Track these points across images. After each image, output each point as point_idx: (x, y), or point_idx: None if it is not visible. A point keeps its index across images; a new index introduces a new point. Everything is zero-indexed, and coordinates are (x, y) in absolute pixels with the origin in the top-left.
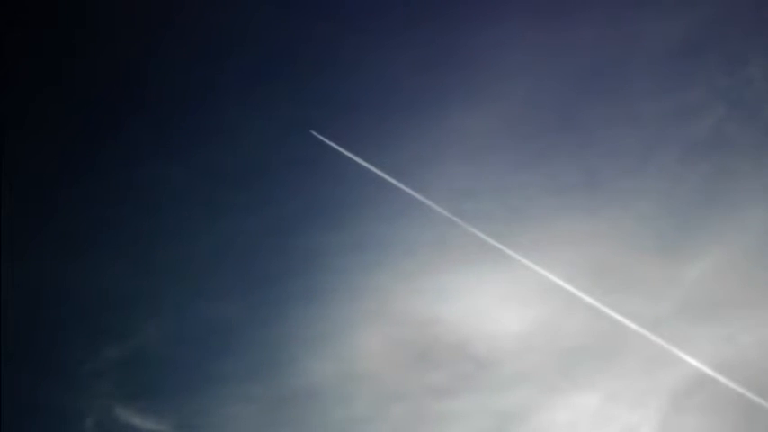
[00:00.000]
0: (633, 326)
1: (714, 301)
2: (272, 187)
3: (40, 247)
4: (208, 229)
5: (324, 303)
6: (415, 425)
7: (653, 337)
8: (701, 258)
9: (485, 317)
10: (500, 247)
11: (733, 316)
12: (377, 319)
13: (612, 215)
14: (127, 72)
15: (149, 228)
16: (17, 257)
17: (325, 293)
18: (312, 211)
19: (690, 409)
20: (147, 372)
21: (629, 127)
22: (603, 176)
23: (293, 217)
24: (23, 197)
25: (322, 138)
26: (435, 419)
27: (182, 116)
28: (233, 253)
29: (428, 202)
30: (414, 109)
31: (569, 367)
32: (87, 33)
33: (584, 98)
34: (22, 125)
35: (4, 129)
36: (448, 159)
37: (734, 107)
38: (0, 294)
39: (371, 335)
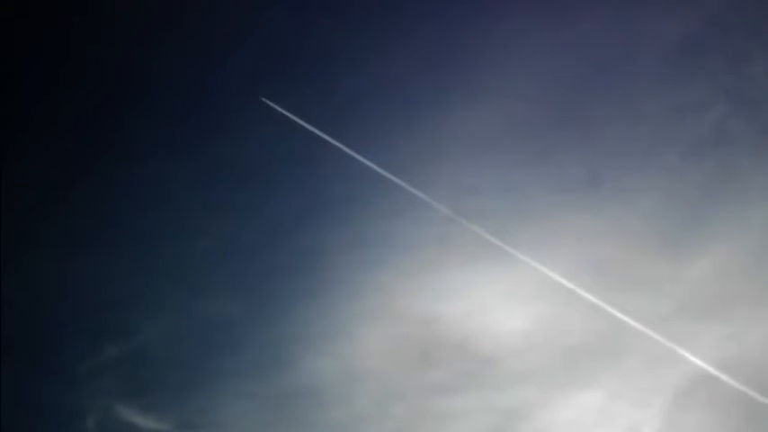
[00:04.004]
0: (636, 324)
1: (717, 299)
2: (273, 185)
3: (41, 246)
4: (209, 228)
5: (325, 301)
6: (417, 423)
7: (656, 335)
8: (705, 256)
9: (487, 315)
10: (502, 244)
11: (736, 314)
12: (378, 317)
13: (615, 213)
14: (126, 70)
15: (150, 226)
16: (17, 256)
17: (326, 291)
18: (313, 208)
19: (693, 408)
20: (148, 370)
21: (632, 125)
22: (606, 174)
23: (294, 215)
24: (23, 196)
25: (323, 135)
26: (437, 418)
27: (182, 114)
28: (234, 251)
29: (430, 200)
30: (415, 106)
31: (572, 365)
32: (87, 32)
33: (586, 96)
34: (21, 124)
35: (4, 128)
36: (449, 157)
37: (736, 104)
38: (0, 293)
39: (373, 333)
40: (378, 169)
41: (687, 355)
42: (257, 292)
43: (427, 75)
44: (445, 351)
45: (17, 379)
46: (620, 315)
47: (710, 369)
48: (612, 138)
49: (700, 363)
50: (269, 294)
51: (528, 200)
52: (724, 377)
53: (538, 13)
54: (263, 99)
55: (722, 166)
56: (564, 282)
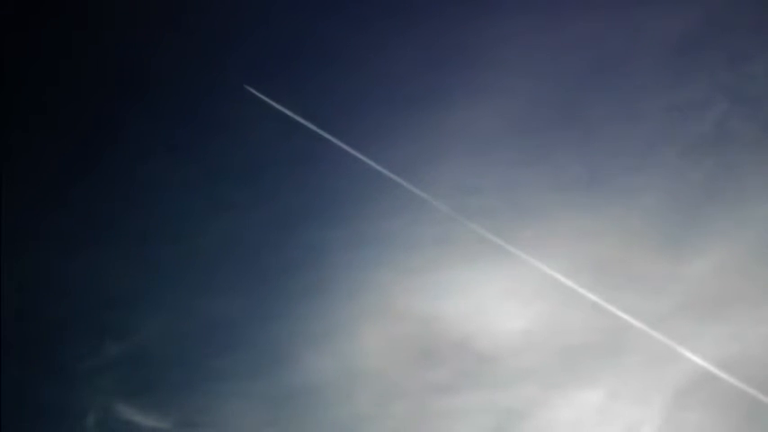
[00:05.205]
0: (636, 322)
1: (718, 298)
2: (273, 184)
3: (42, 244)
4: (209, 226)
5: (325, 300)
6: (417, 422)
7: (656, 334)
8: (705, 255)
9: (487, 313)
10: (502, 243)
11: (737, 313)
12: (379, 316)
13: (615, 212)
14: (128, 68)
15: (150, 224)
16: (17, 255)
17: (326, 290)
18: (314, 207)
19: (693, 407)
20: (148, 369)
21: (632, 123)
22: (606, 173)
23: (295, 213)
24: (24, 194)
25: (324, 134)
26: (438, 416)
27: (183, 112)
28: (234, 249)
29: (430, 199)
30: (416, 105)
31: (572, 364)
32: (88, 30)
33: (586, 95)
34: (23, 122)
35: (4, 128)
36: (450, 156)
37: (736, 103)
38: (0, 291)
39: (373, 332)
40: (378, 168)
41: (687, 353)
42: (257, 291)
43: (428, 73)
44: (445, 350)
45: (17, 379)
46: (620, 314)
47: (711, 368)
48: (612, 137)
49: (700, 361)
50: (269, 293)
51: (528, 199)
52: (724, 376)
53: (538, 12)
54: (264, 97)
55: (722, 165)
56: (564, 280)
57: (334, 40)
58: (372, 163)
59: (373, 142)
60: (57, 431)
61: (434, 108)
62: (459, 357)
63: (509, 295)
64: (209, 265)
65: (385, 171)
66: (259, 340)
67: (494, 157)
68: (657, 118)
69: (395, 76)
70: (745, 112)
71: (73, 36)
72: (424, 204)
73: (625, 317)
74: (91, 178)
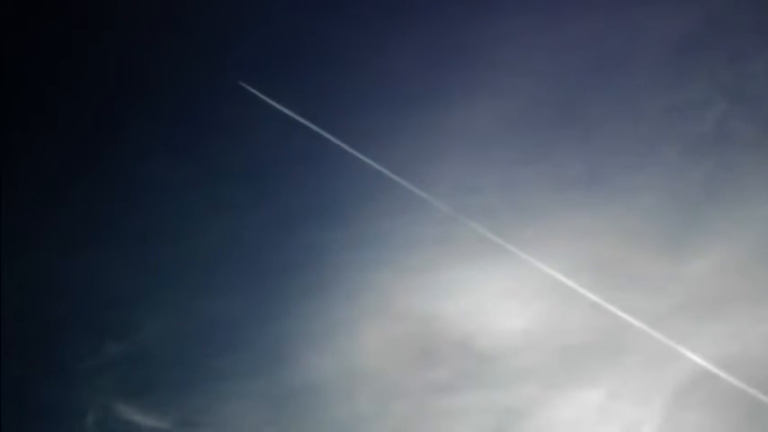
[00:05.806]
0: (636, 322)
1: (718, 298)
2: (273, 184)
3: (41, 245)
4: (209, 226)
5: (325, 300)
6: (417, 421)
7: (656, 334)
8: (705, 254)
9: (487, 313)
10: (502, 243)
11: (737, 312)
12: (379, 316)
13: (615, 211)
14: (128, 68)
15: (150, 224)
16: (17, 255)
17: (326, 290)
18: (314, 207)
19: (693, 406)
20: (148, 369)
21: (632, 123)
22: (606, 172)
23: (295, 213)
24: (24, 194)
25: (324, 133)
26: (437, 416)
27: (183, 112)
28: (234, 249)
29: (430, 198)
30: (416, 106)
31: (572, 364)
32: (88, 30)
33: (586, 94)
34: (23, 122)
35: (5, 126)
36: (450, 156)
37: (736, 102)
38: (0, 291)
39: (373, 331)
40: (378, 167)
41: (687, 353)
42: (257, 291)
43: (428, 73)
44: (445, 349)
45: (17, 379)
46: (620, 313)
47: (711, 367)
48: (612, 136)
49: (700, 361)
50: (269, 293)
51: (528, 198)
52: (724, 375)
53: (538, 12)
54: (264, 97)
55: (722, 165)
56: (564, 280)
57: (334, 39)
58: (372, 163)
59: (373, 142)
60: (57, 431)
61: (434, 108)
62: (459, 357)
63: (509, 295)
64: (209, 265)
65: (385, 171)
66: (259, 340)
67: (494, 156)
68: (657, 118)
69: (395, 75)
70: (745, 112)
71: (73, 36)
72: (424, 204)
73: (625, 317)
74: (91, 178)
